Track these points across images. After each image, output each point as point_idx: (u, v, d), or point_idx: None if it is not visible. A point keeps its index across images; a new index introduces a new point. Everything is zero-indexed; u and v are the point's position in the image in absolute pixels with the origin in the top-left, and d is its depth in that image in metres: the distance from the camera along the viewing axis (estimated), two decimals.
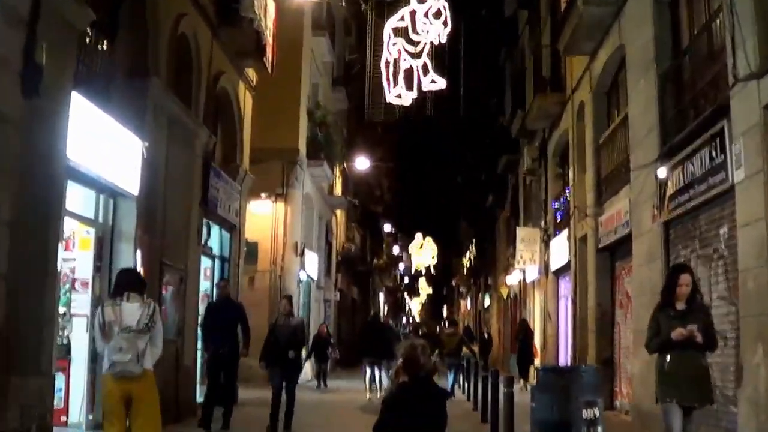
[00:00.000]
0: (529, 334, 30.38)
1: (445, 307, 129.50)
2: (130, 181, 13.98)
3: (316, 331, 31.13)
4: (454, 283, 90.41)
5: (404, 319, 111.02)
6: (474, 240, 61.48)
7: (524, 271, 33.73)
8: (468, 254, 67.94)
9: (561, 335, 27.70)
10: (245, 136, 22.25)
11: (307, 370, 28.28)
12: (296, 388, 15.85)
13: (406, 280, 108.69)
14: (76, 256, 13.66)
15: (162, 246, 15.30)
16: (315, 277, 35.64)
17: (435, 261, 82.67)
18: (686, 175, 13.94)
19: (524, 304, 35.54)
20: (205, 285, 19.74)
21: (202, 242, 18.68)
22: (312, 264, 34.19)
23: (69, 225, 13.07)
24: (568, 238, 24.86)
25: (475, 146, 51.30)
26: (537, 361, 29.09)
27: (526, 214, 34.09)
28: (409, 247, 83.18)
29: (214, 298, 18.30)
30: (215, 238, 20.45)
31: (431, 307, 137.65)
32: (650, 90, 16.23)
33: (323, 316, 39.39)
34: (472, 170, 53.33)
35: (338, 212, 44.34)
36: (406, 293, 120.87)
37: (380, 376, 24.87)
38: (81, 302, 13.53)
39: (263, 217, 29.87)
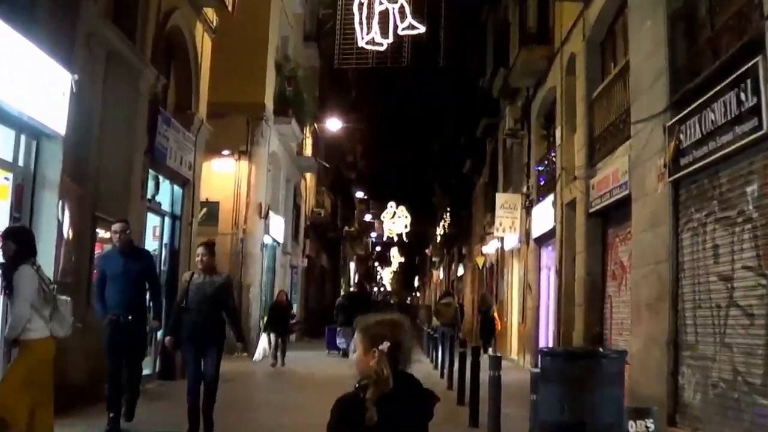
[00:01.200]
0: (488, 306, 30.99)
1: (417, 277, 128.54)
2: (56, 120, 11.85)
3: (274, 299, 28.35)
4: (427, 253, 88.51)
5: (375, 288, 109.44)
6: (449, 208, 59.59)
7: (503, 240, 31.90)
8: (442, 223, 66.14)
9: (542, 308, 25.88)
10: (202, 83, 20.13)
11: (264, 344, 25.66)
12: (219, 368, 11.26)
13: (378, 248, 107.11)
14: None
15: (95, 197, 13.23)
16: (281, 241, 33.60)
17: (408, 229, 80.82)
18: (704, 124, 11.91)
19: (501, 274, 33.69)
20: (152, 245, 17.70)
21: (147, 196, 16.59)
22: (278, 227, 32.17)
23: None
24: (554, 204, 22.99)
25: (453, 109, 49.23)
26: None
27: (506, 180, 32.14)
28: (382, 215, 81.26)
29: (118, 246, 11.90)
30: (165, 193, 18.36)
31: (403, 276, 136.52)
32: (658, 32, 14.19)
33: (289, 283, 37.51)
34: (450, 135, 51.36)
35: (308, 176, 42.26)
36: (377, 262, 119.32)
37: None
38: None
39: (225, 176, 27.94)
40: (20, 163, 11.80)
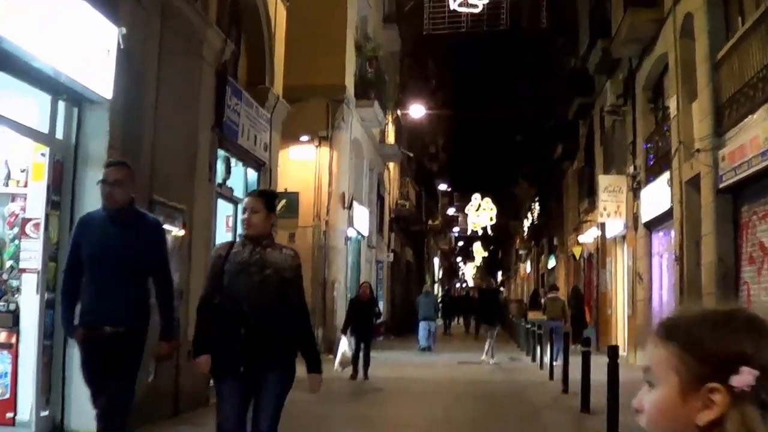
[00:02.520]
0: (580, 299, 29.72)
1: (500, 272, 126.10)
2: (101, 82, 9.85)
3: (354, 293, 24.70)
4: (515, 245, 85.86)
5: (457, 284, 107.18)
6: (537, 197, 57.05)
7: (604, 227, 29.46)
8: (529, 214, 63.60)
9: (655, 299, 23.46)
10: (277, 55, 18.09)
11: (344, 348, 18.79)
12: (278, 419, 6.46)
13: (461, 243, 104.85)
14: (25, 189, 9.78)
15: (152, 177, 11.20)
16: (365, 234, 31.55)
17: (493, 222, 78.33)
18: None
19: (603, 263, 31.20)
20: (225, 237, 15.71)
21: (218, 180, 14.58)
22: (362, 220, 30.14)
23: (11, 142, 9.49)
24: (670, 183, 20.57)
25: (539, 93, 46.67)
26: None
27: (607, 162, 29.56)
28: (466, 208, 78.83)
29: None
30: (238, 177, 16.29)
31: (486, 271, 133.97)
32: None
33: (375, 279, 35.47)
34: (536, 121, 48.86)
35: (391, 166, 40.16)
36: (459, 257, 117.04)
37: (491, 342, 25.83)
38: (32, 252, 9.53)
39: (305, 165, 26.00)
40: (59, 135, 9.80)
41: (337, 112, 26.24)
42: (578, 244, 36.97)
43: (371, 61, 28.87)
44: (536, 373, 21.61)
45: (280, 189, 23.38)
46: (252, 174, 16.87)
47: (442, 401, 16.10)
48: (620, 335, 27.96)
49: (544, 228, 54.01)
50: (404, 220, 43.50)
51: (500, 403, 15.97)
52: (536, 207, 57.79)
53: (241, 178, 16.47)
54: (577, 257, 37.58)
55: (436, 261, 75.56)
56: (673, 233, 21.69)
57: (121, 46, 10.04)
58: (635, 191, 24.66)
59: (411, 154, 42.88)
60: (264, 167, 17.01)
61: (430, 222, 59.50)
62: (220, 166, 14.68)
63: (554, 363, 20.56)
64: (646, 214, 23.40)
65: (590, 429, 12.22)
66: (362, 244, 31.70)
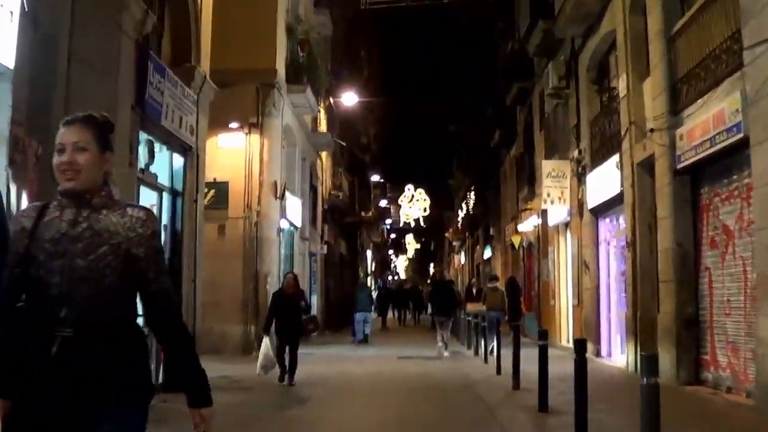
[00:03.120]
0: (517, 290, 29.01)
1: (432, 264, 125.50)
2: (2, 49, 8.50)
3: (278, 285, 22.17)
4: (447, 236, 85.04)
5: (389, 277, 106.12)
6: (473, 187, 56.23)
7: (545, 214, 28.57)
8: (464, 204, 62.77)
9: (602, 288, 22.58)
10: (203, 33, 16.79)
11: (266, 351, 16.40)
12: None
13: (393, 236, 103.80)
14: None
15: None
16: (298, 226, 30.26)
17: (427, 213, 77.43)
18: None
19: (544, 253, 30.31)
20: None
21: (140, 165, 13.25)
22: (294, 210, 28.85)
23: None
24: (619, 166, 19.65)
25: (475, 79, 45.75)
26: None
27: (549, 147, 28.54)
28: (399, 199, 77.81)
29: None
30: (163, 163, 14.91)
31: (417, 264, 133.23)
32: None
33: (308, 271, 34.25)
34: (474, 107, 47.95)
35: (324, 156, 38.80)
36: (391, 250, 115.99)
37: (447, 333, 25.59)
38: None
39: (235, 153, 24.69)
40: None
41: (268, 98, 24.87)
42: (517, 233, 36.11)
43: (303, 44, 27.54)
44: (481, 367, 20.63)
45: (208, 178, 22.17)
46: (178, 159, 15.56)
47: (389, 400, 14.97)
48: (564, 325, 27.10)
49: (480, 218, 53.26)
50: (338, 211, 42.23)
51: (451, 401, 14.89)
52: (471, 197, 56.99)
53: (165, 163, 15.13)
54: (516, 246, 36.70)
55: (369, 254, 74.38)
56: (621, 219, 20.84)
57: (26, 9, 8.70)
58: (580, 176, 23.73)
59: (344, 144, 41.58)
60: (190, 152, 15.71)
61: (363, 214, 58.33)
62: (142, 150, 13.35)
63: (490, 351, 20.90)
64: (593, 199, 22.48)
65: None
66: (295, 236, 30.37)
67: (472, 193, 56.49)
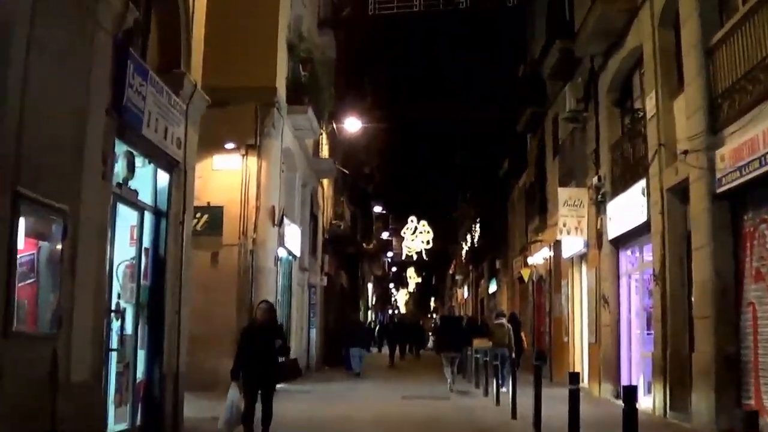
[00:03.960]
0: (517, 325, 27.39)
1: (433, 299, 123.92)
2: None
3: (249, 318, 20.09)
4: (451, 271, 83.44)
5: (390, 311, 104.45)
6: (478, 219, 54.71)
7: (558, 246, 27.05)
8: (468, 237, 61.17)
9: (623, 324, 20.98)
10: (195, 37, 15.18)
11: (234, 398, 12.76)
12: None
13: (394, 269, 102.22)
14: None
15: (18, 163, 8.31)
16: (297, 255, 28.62)
17: (430, 245, 75.77)
18: None
19: (557, 287, 28.72)
20: (128, 252, 12.80)
21: (117, 179, 11.65)
22: (293, 239, 27.26)
23: None
24: (645, 192, 18.10)
25: (486, 107, 44.32)
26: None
27: (563, 174, 26.95)
28: (402, 231, 76.18)
29: None
30: (145, 179, 13.25)
31: (418, 299, 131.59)
32: None
33: (308, 304, 32.69)
34: (478, 138, 46.61)
35: (326, 183, 37.28)
36: (392, 284, 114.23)
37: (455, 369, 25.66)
38: None
39: (230, 176, 23.27)
40: None
41: (267, 118, 23.39)
42: (526, 266, 34.54)
43: (305, 63, 26.09)
44: (494, 410, 18.92)
45: (202, 202, 20.86)
46: (163, 176, 13.91)
47: None
48: (578, 364, 25.46)
49: (486, 250, 51.65)
50: (339, 242, 40.58)
51: None
52: (477, 228, 55.46)
53: (149, 179, 13.50)
54: (526, 280, 35.05)
55: (370, 287, 72.75)
56: (645, 250, 19.30)
57: None
58: (599, 205, 22.17)
59: (346, 171, 40.03)
60: (177, 168, 14.06)
61: (365, 245, 56.78)
62: (120, 162, 11.74)
63: (501, 390, 20.16)
64: (613, 229, 20.94)
65: None
66: (294, 266, 28.71)
67: (478, 224, 54.96)
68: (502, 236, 44.34)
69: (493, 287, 50.31)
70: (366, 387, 26.54)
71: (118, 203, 11.78)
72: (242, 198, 23.13)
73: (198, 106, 15.15)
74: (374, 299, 79.81)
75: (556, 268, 28.73)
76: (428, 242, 75.36)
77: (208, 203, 22.44)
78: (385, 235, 75.13)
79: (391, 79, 52.94)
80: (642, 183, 18.37)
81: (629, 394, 8.51)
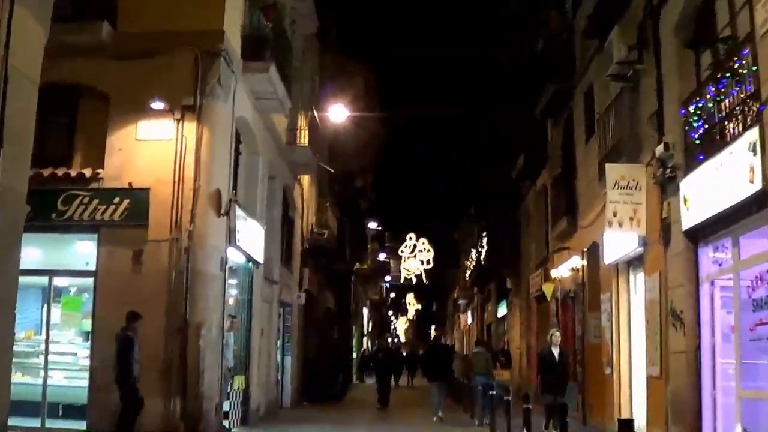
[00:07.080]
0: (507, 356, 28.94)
1: (434, 327, 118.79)
2: None
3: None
4: (452, 296, 77.51)
5: (389, 339, 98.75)
6: (484, 234, 48.68)
7: (593, 251, 20.98)
8: (472, 256, 55.10)
9: (705, 351, 14.69)
10: None
11: None
12: None
13: (393, 295, 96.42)
14: None
15: None
16: (260, 261, 22.22)
17: (431, 265, 69.59)
18: None
19: (593, 304, 22.45)
20: None
21: None
22: (253, 239, 20.97)
23: None
24: (758, 147, 11.84)
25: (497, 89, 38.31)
26: None
27: (605, 155, 20.37)
28: (400, 249, 69.92)
29: None
30: None
31: (418, 325, 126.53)
32: None
33: (280, 326, 26.58)
34: (492, 132, 40.81)
35: (305, 182, 31.07)
36: (390, 311, 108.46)
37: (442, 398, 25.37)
38: None
39: (160, 148, 17.60)
40: None
41: (211, 71, 17.35)
42: (549, 280, 28.20)
43: (268, 11, 19.93)
44: None
45: (122, 183, 16.31)
46: None
47: None
48: (625, 403, 19.23)
49: (494, 269, 45.39)
50: (323, 254, 34.28)
51: None
52: (483, 244, 49.33)
53: None
54: (549, 298, 28.61)
55: (365, 312, 66.51)
56: (742, 241, 13.16)
57: None
58: (664, 185, 15.97)
59: (331, 169, 33.75)
60: None
61: (357, 265, 50.63)
62: None
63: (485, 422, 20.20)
64: (691, 216, 14.70)
65: None
66: (255, 275, 22.22)
67: (484, 240, 48.83)
68: (515, 250, 38.29)
69: (502, 310, 44.09)
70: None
71: None
72: (176, 178, 17.23)
73: None
74: (370, 325, 73.75)
75: (593, 280, 22.44)
76: (428, 261, 69.23)
77: (130, 184, 16.99)
78: (381, 256, 68.89)
79: (383, 66, 47.07)
80: (750, 135, 12.13)
81: None
